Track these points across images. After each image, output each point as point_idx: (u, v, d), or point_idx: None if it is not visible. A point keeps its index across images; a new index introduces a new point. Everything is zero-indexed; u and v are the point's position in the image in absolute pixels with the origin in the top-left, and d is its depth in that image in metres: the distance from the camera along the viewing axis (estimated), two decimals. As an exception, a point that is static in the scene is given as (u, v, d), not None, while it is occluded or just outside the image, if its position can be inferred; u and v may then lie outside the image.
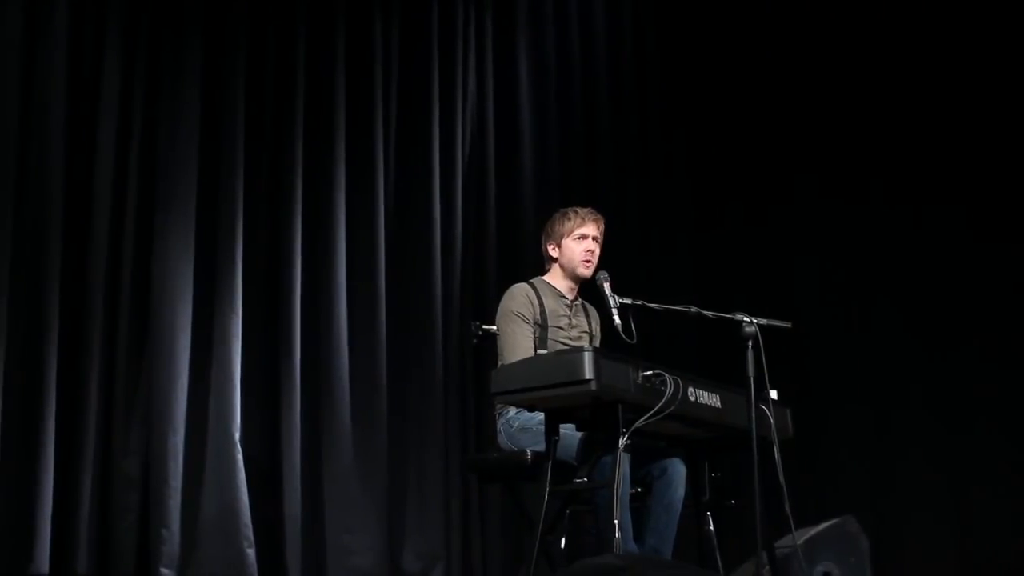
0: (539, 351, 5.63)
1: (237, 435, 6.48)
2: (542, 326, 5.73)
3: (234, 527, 6.39)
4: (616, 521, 4.87)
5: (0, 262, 5.95)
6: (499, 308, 5.86)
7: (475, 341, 6.09)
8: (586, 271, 5.84)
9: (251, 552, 6.40)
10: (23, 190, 6.10)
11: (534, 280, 5.92)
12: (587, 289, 5.91)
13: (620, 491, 4.91)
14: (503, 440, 5.68)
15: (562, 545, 5.66)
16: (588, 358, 4.82)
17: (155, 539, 6.22)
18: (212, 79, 6.76)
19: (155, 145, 6.56)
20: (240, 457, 6.47)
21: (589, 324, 5.94)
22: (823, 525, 6.12)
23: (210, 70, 6.76)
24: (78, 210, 6.30)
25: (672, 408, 4.96)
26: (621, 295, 5.55)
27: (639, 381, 4.94)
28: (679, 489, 5.46)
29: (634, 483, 5.36)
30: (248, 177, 6.79)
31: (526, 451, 5.42)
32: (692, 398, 5.12)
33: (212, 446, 6.46)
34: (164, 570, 6.17)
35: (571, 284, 5.91)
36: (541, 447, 5.24)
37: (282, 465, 6.68)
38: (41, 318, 6.05)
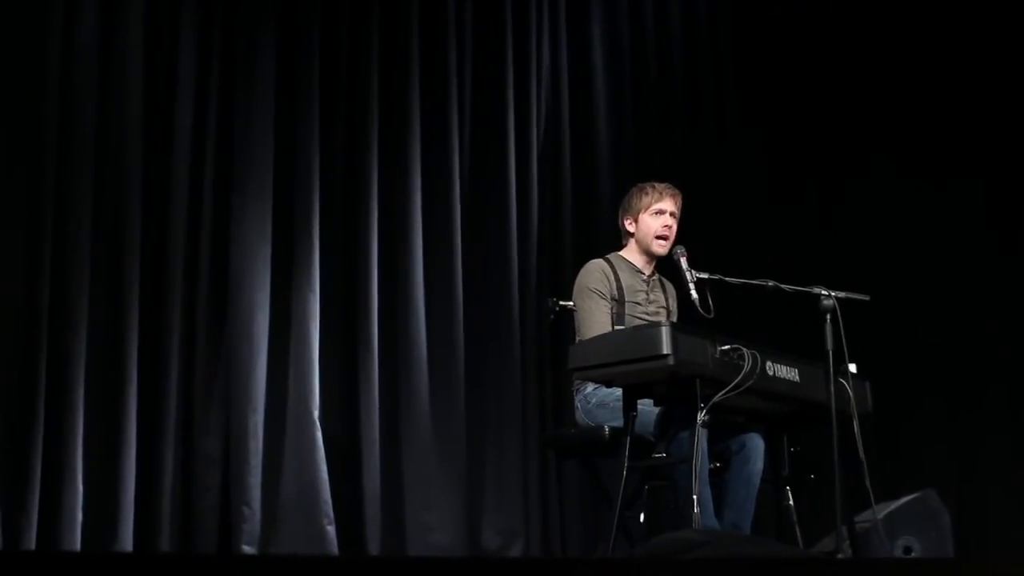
0: (616, 327, 5.62)
1: (316, 413, 6.52)
2: (619, 302, 5.73)
3: (314, 504, 6.43)
4: (695, 496, 4.87)
5: (81, 246, 6.01)
6: (575, 285, 5.86)
7: (552, 317, 6.09)
8: (663, 246, 5.82)
9: (331, 529, 6.44)
10: (102, 173, 6.16)
11: (610, 256, 5.91)
12: (664, 264, 5.90)
13: (699, 466, 4.91)
14: (581, 416, 5.68)
15: (641, 520, 5.65)
16: (665, 333, 4.82)
17: (236, 517, 6.27)
18: (287, 57, 6.78)
19: (231, 125, 6.59)
20: (319, 435, 6.50)
21: (666, 300, 5.93)
22: (904, 499, 6.09)
23: (284, 48, 6.78)
24: (156, 192, 6.35)
25: (750, 382, 4.95)
26: (698, 270, 5.54)
27: (717, 356, 4.94)
28: (758, 464, 5.44)
29: (712, 458, 5.35)
30: (324, 154, 6.81)
31: (604, 427, 5.42)
32: (770, 372, 5.11)
33: (292, 424, 6.50)
34: (245, 547, 6.22)
35: (648, 259, 5.89)
36: (619, 423, 5.24)
37: (361, 442, 6.71)
38: (121, 300, 6.11)
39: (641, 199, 5.87)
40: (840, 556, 5.24)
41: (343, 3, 7.05)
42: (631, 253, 5.91)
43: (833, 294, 5.36)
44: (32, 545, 5.65)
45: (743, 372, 4.94)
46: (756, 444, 5.46)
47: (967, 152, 8.40)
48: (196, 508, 6.27)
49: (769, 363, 5.10)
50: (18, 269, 5.87)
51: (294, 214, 6.69)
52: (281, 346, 6.55)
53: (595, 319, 5.66)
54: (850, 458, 5.22)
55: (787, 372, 5.20)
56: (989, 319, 8.22)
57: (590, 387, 5.62)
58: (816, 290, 5.40)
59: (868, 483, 5.27)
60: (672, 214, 5.86)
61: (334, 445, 6.59)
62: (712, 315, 5.41)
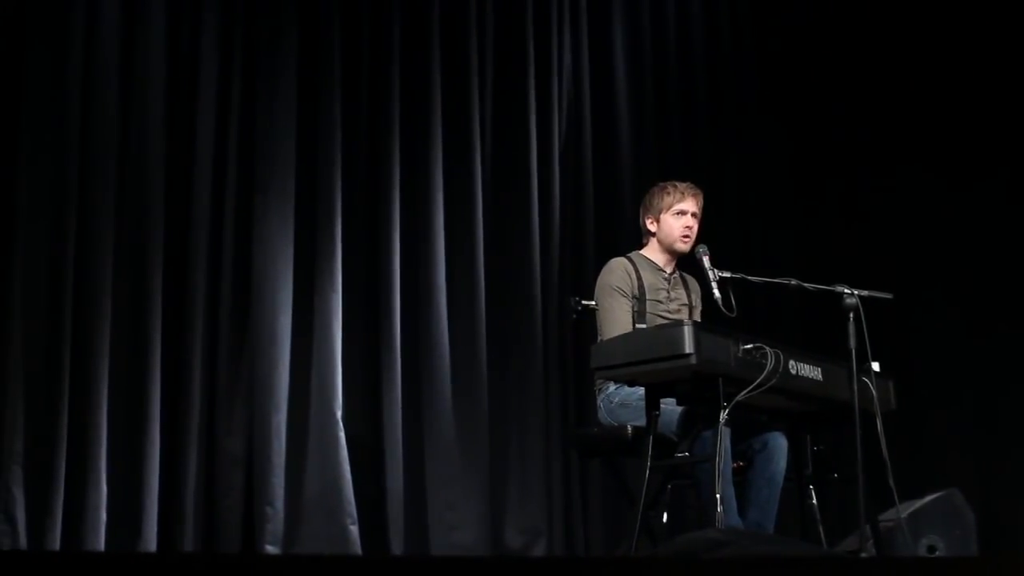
0: (638, 325, 5.61)
1: (339, 413, 6.53)
2: (640, 300, 5.72)
3: (337, 504, 6.44)
4: (718, 495, 4.86)
5: (103, 247, 6.04)
6: (598, 283, 5.85)
7: (574, 316, 6.07)
8: (684, 246, 5.81)
9: (354, 529, 6.45)
10: (124, 175, 6.19)
11: (632, 254, 5.91)
12: (686, 262, 5.89)
13: (722, 465, 4.90)
14: (603, 415, 5.67)
15: (664, 520, 5.64)
16: (688, 332, 4.81)
17: (259, 517, 6.29)
18: (308, 58, 6.80)
19: (253, 125, 6.62)
20: (342, 435, 6.51)
21: (688, 296, 5.91)
22: (928, 498, 6.08)
23: (306, 47, 6.79)
24: (179, 193, 6.37)
25: (773, 381, 4.94)
26: (720, 269, 5.53)
27: (739, 354, 4.93)
28: (780, 462, 5.43)
29: (735, 457, 5.33)
30: (346, 155, 6.82)
31: (626, 426, 5.41)
32: (793, 371, 5.09)
33: (314, 424, 6.51)
34: (269, 547, 6.23)
35: (669, 258, 5.88)
36: (641, 422, 5.23)
37: (384, 442, 6.72)
38: (145, 301, 6.14)
39: (663, 199, 5.86)
40: (864, 555, 5.23)
41: (364, 4, 7.06)
42: (652, 252, 5.90)
43: (856, 292, 5.34)
44: (56, 545, 5.67)
45: (766, 371, 4.93)
46: (779, 443, 5.45)
47: (991, 151, 8.35)
48: (219, 508, 6.29)
49: (792, 362, 5.09)
50: (41, 270, 5.91)
51: (317, 214, 6.71)
52: (304, 346, 6.57)
53: (617, 318, 5.65)
54: (873, 457, 5.20)
55: (810, 371, 5.19)
56: (1013, 317, 8.18)
57: (612, 386, 5.61)
58: (839, 288, 5.39)
59: (892, 482, 5.25)
60: (694, 214, 5.84)
61: (357, 445, 6.60)
62: (735, 314, 5.39)
